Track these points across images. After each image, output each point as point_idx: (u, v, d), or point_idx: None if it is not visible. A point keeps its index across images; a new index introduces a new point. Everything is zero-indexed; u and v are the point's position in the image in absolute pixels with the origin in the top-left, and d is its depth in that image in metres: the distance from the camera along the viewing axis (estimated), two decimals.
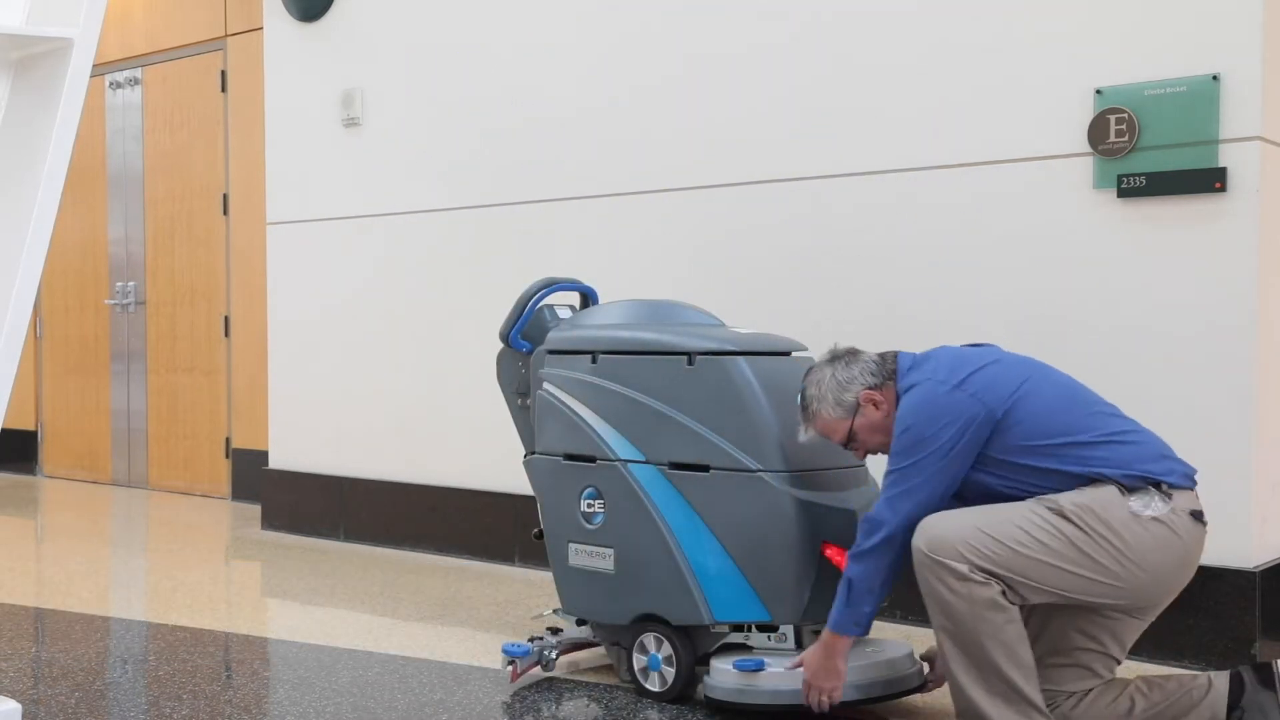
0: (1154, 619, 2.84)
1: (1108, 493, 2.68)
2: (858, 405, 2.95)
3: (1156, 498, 2.67)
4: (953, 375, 2.81)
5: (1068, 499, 2.69)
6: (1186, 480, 2.75)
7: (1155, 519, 2.65)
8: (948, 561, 2.67)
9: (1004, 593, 2.67)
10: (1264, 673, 2.81)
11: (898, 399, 2.90)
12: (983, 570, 2.65)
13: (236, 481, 7.03)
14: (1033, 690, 2.69)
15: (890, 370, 2.96)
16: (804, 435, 3.05)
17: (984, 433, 2.76)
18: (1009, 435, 2.76)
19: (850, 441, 3.00)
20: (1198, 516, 2.72)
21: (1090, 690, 2.83)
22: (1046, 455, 2.74)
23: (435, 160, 5.39)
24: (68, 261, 8.05)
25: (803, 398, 3.03)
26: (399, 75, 5.51)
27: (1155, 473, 2.71)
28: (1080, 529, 2.65)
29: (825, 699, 2.91)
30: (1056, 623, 2.82)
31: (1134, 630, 2.84)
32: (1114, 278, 3.75)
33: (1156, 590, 2.72)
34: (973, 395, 2.76)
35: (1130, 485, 2.68)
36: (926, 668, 3.12)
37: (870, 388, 2.95)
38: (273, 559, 5.42)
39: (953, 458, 2.75)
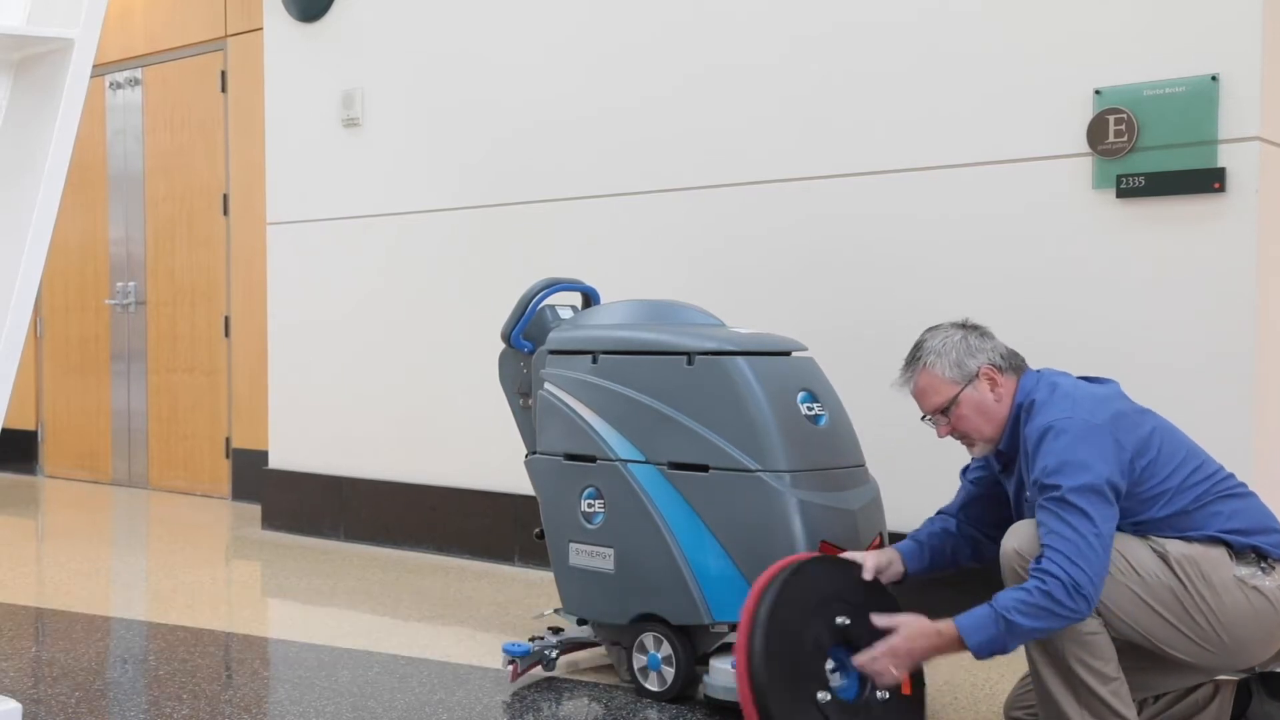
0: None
1: (1217, 553, 2.59)
2: (976, 375, 2.76)
3: (1260, 569, 2.59)
4: (1092, 416, 2.62)
5: (1175, 547, 2.59)
6: None
7: (1258, 589, 2.56)
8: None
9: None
10: (1272, 683, 2.78)
11: (1027, 413, 2.70)
12: None
13: (236, 481, 7.03)
14: (1120, 703, 2.58)
15: (1019, 365, 2.79)
16: (900, 383, 2.87)
17: (1126, 477, 2.60)
18: (1137, 496, 2.62)
19: (945, 411, 2.79)
20: None
21: None
22: (1161, 520, 2.63)
23: (436, 160, 5.39)
24: (68, 261, 8.05)
25: (917, 347, 2.84)
26: (399, 75, 5.51)
27: (1263, 545, 2.61)
28: (1180, 580, 2.56)
29: (887, 675, 2.67)
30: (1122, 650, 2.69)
31: (1190, 682, 2.77)
32: (1113, 277, 3.75)
33: (1237, 658, 2.62)
34: (1118, 441, 2.60)
35: (1239, 550, 2.60)
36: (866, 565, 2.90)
37: (995, 365, 2.77)
38: (273, 559, 5.42)
39: (1113, 497, 2.57)
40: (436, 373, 5.41)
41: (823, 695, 2.72)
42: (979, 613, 2.56)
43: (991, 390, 2.76)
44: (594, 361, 3.40)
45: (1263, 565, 2.59)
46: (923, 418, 2.88)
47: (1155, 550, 2.59)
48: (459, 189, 5.31)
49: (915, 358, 2.84)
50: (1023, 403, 2.73)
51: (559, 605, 3.55)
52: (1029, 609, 2.49)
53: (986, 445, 2.81)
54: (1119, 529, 2.60)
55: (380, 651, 3.79)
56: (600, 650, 3.55)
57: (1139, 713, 2.78)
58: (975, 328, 2.85)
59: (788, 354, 3.36)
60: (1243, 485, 2.72)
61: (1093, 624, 2.56)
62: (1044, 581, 2.50)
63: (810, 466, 3.14)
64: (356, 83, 5.65)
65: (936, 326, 2.88)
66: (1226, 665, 2.65)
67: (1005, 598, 2.54)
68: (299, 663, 3.69)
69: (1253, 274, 3.54)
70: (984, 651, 2.56)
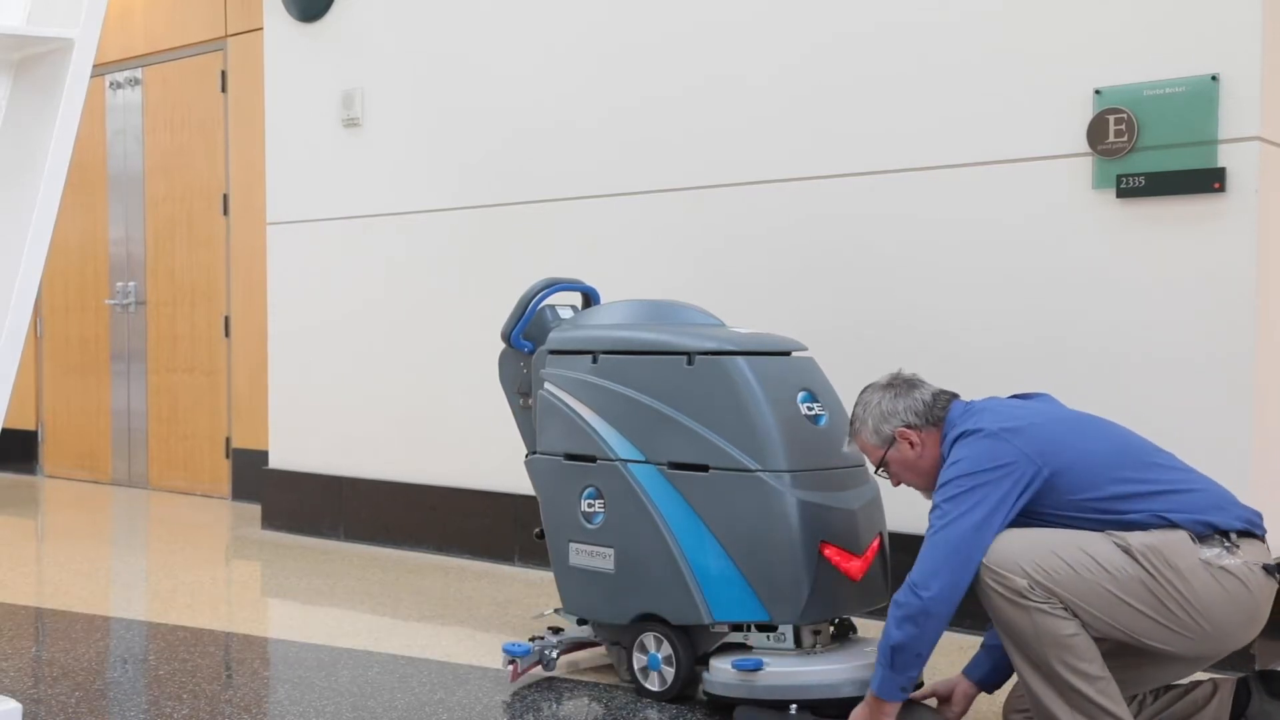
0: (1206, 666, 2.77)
1: (1178, 537, 2.58)
2: (893, 439, 2.91)
3: (1224, 549, 2.57)
4: (1002, 425, 2.72)
5: (1137, 538, 2.58)
6: (1253, 527, 2.63)
7: (1225, 569, 2.55)
8: (1007, 575, 2.59)
9: (1064, 608, 2.57)
10: (1271, 682, 2.77)
11: (944, 444, 2.84)
12: (1043, 588, 2.56)
13: (236, 481, 7.03)
14: (1109, 701, 2.58)
15: (938, 416, 2.89)
16: (847, 447, 3.09)
17: (1032, 488, 2.66)
18: (1060, 492, 2.66)
19: (882, 468, 2.98)
20: (1271, 571, 2.59)
21: None
22: (1102, 510, 2.64)
23: (436, 160, 5.39)
24: (68, 261, 8.05)
25: (852, 411, 3.02)
26: (399, 75, 5.51)
27: (1220, 522, 2.60)
28: (1146, 570, 2.55)
29: None
30: (1111, 649, 2.70)
31: (1183, 674, 2.77)
32: (1113, 277, 3.75)
33: (1221, 642, 2.60)
34: (1021, 450, 2.67)
35: (1200, 533, 2.59)
36: (935, 702, 3.01)
37: (909, 426, 2.90)
38: (273, 559, 5.42)
39: (997, 505, 2.65)
40: (437, 373, 5.41)
41: None
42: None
43: (911, 448, 2.91)
44: (594, 361, 3.40)
45: (1226, 544, 2.58)
46: None
47: (1118, 544, 2.59)
48: (459, 189, 5.31)
49: (851, 422, 3.03)
50: (947, 434, 2.86)
51: (559, 605, 3.55)
52: (888, 630, 2.69)
53: (930, 490, 2.94)
54: (1082, 528, 2.64)
55: (380, 651, 3.79)
56: (600, 650, 3.55)
57: (1137, 712, 2.79)
58: (896, 385, 2.97)
59: (788, 354, 3.36)
60: (1190, 473, 2.73)
61: (1071, 626, 2.57)
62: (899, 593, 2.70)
63: (810, 466, 3.14)
64: (356, 83, 5.65)
65: (868, 387, 3.01)
66: (1213, 651, 2.64)
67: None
68: (299, 663, 3.69)
69: (1253, 274, 3.54)
70: (888, 689, 2.72)
